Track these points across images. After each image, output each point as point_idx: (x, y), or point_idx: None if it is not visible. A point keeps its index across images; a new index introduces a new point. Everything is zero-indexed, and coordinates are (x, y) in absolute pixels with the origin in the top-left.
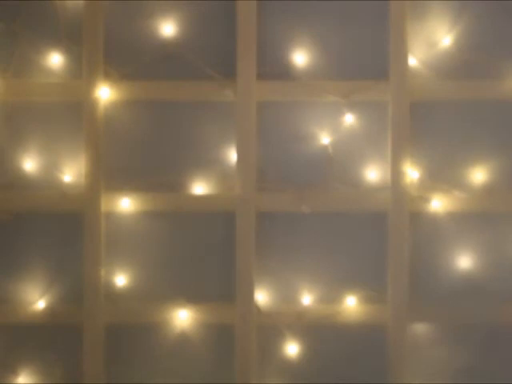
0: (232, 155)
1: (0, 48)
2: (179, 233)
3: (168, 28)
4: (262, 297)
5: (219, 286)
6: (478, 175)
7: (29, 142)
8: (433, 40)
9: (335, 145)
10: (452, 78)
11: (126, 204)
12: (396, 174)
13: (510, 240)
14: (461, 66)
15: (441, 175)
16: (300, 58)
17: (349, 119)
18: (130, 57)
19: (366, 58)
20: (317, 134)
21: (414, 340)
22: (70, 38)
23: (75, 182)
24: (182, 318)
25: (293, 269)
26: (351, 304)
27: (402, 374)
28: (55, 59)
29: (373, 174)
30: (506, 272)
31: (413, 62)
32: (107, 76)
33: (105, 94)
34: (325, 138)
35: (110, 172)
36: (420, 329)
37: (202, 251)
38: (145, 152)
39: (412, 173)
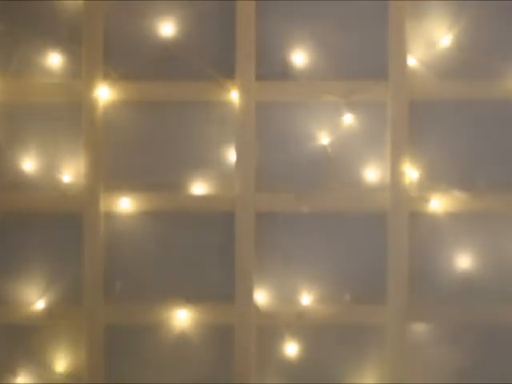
0: (231, 155)
1: (0, 48)
2: (179, 233)
3: (168, 28)
4: (261, 297)
5: (219, 286)
6: (478, 175)
7: (28, 142)
8: (432, 40)
9: (334, 145)
10: (451, 78)
11: (126, 204)
12: (395, 174)
13: (509, 240)
14: (460, 65)
15: (440, 175)
16: (299, 58)
17: (348, 119)
18: (129, 57)
19: (366, 58)
20: (316, 134)
21: (414, 340)
22: (69, 38)
23: (75, 182)
24: (182, 318)
25: (292, 269)
26: (351, 304)
27: (402, 373)
28: (55, 59)
29: (372, 174)
30: (505, 272)
31: (412, 61)
32: (107, 76)
33: (104, 94)
34: (324, 138)
35: (110, 172)
36: (420, 329)
37: (202, 251)
38: (144, 152)
39: (411, 173)
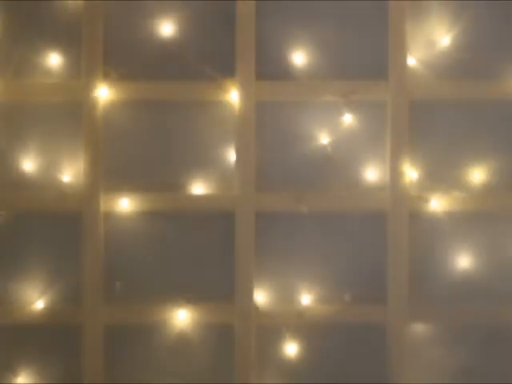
0: (231, 155)
1: (0, 48)
2: (179, 233)
3: (168, 28)
4: (261, 297)
5: (219, 286)
6: (478, 175)
7: (28, 142)
8: (432, 40)
9: (334, 145)
10: (451, 78)
11: (125, 204)
12: (395, 173)
13: (509, 240)
14: (460, 65)
15: (440, 175)
16: (299, 57)
17: (348, 119)
18: (129, 57)
19: (366, 58)
20: (316, 133)
21: (414, 340)
22: (69, 38)
23: (74, 182)
24: (182, 317)
25: (292, 269)
26: (351, 304)
27: (402, 373)
28: (54, 59)
29: (372, 173)
30: (505, 272)
31: (412, 61)
32: (106, 76)
33: (104, 93)
34: (324, 138)
35: (109, 172)
36: (420, 329)
37: (202, 251)
38: (144, 152)
39: (411, 173)
